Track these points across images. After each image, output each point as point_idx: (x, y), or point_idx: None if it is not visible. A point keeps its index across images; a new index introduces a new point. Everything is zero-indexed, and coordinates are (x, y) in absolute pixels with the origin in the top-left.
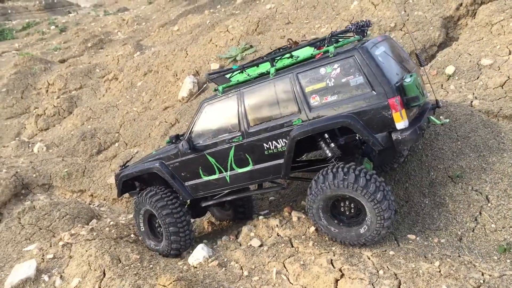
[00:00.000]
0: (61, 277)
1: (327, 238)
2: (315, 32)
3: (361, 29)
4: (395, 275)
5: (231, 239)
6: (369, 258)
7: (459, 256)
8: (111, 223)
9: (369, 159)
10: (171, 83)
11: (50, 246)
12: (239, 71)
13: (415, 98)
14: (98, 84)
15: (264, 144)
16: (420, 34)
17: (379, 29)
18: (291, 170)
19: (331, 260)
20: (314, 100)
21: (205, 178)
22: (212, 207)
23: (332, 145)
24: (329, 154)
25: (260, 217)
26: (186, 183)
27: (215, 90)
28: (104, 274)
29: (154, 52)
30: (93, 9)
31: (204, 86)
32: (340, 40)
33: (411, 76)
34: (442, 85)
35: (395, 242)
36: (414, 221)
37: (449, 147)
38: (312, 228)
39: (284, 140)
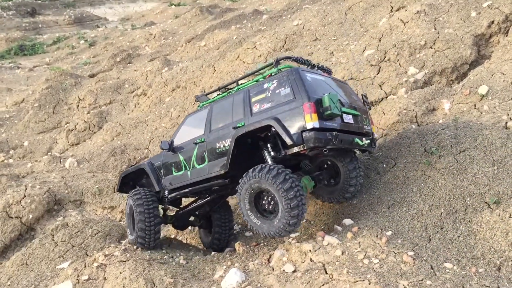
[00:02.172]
0: None
1: (360, 265)
2: (343, 49)
3: (306, 61)
4: None
5: (263, 263)
6: None
7: (498, 287)
8: None
9: (312, 179)
10: None
11: (85, 266)
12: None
13: (328, 107)
14: (127, 99)
15: (217, 144)
16: (450, 52)
17: (409, 47)
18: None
19: None
20: (256, 108)
21: (175, 174)
22: (200, 230)
23: (272, 153)
24: (269, 162)
25: (292, 241)
26: (163, 179)
27: (198, 106)
28: None
29: (182, 68)
30: (120, 23)
31: None
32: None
33: (329, 93)
34: (475, 105)
35: (432, 271)
36: (450, 249)
37: (484, 172)
38: (339, 251)
39: (230, 139)
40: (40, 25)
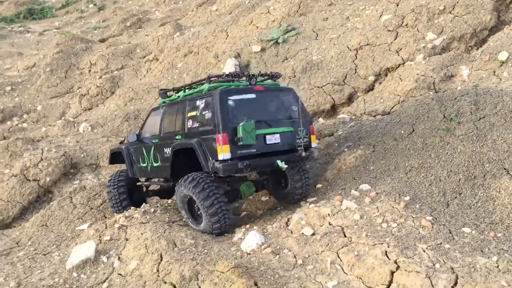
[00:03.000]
0: (119, 258)
1: (379, 228)
2: (359, 14)
3: (243, 74)
4: (452, 269)
5: (282, 227)
6: (424, 251)
7: None
8: (160, 205)
9: (252, 184)
10: (212, 65)
11: (106, 227)
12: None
13: (240, 139)
14: (139, 64)
15: (164, 149)
16: (470, 17)
17: (428, 12)
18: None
19: (386, 251)
20: (189, 124)
21: (140, 165)
22: None
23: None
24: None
25: (311, 205)
26: (134, 166)
27: (160, 103)
28: (161, 258)
29: (194, 33)
30: None
31: (247, 69)
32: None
33: (246, 121)
34: (494, 72)
35: (450, 235)
36: (468, 214)
37: (504, 139)
38: (357, 215)
39: (170, 149)
40: None
